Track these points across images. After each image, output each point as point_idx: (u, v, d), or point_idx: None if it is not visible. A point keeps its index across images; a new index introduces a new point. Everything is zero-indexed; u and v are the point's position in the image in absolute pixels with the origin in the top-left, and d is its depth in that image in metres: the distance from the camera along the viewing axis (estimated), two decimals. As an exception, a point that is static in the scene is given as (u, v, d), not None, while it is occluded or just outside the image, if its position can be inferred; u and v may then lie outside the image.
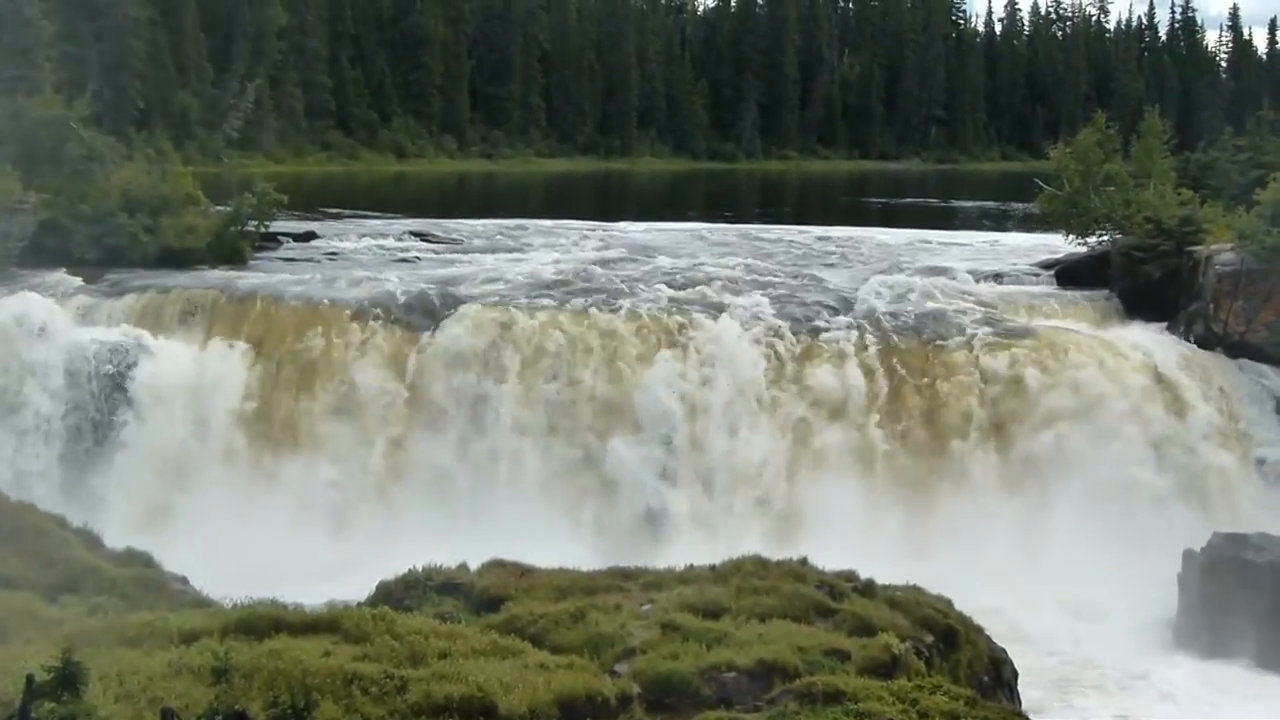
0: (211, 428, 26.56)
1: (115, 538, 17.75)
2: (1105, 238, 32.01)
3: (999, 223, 58.27)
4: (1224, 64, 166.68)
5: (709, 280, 30.23)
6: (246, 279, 30.27)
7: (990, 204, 74.44)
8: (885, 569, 16.57)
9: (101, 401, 26.66)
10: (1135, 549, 23.57)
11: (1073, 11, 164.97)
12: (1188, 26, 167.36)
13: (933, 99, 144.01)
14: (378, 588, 15.93)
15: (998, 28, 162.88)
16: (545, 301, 28.47)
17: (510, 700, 11.71)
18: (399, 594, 15.56)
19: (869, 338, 27.57)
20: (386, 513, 25.61)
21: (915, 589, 15.95)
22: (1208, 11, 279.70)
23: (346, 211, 51.06)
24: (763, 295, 29.21)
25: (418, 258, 35.05)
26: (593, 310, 28.01)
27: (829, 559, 16.40)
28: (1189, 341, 28.12)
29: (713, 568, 16.25)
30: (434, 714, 11.38)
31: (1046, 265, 33.32)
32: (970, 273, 32.54)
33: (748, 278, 30.98)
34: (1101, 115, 35.05)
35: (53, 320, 27.33)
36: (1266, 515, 24.69)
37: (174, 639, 12.46)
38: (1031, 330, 28.07)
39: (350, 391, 26.83)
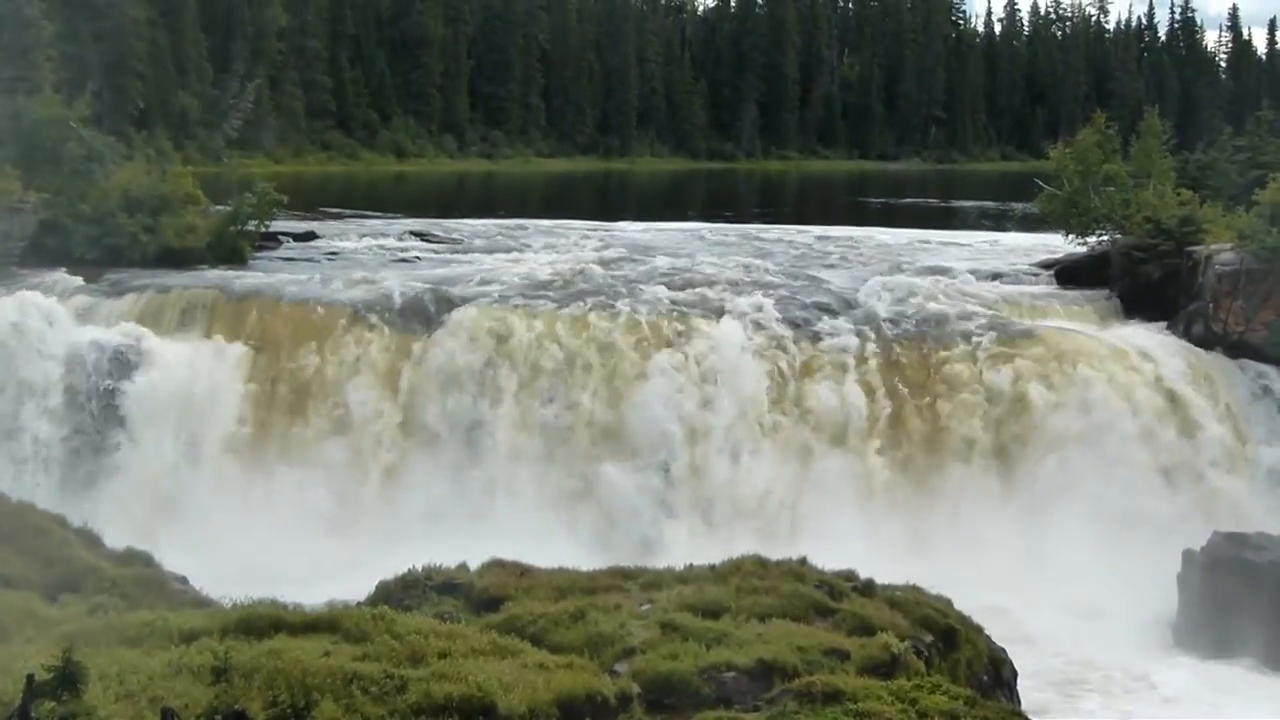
0: (204, 450, 26.09)
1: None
2: (1105, 238, 32.02)
3: (998, 223, 58.20)
4: (1223, 64, 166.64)
5: (709, 282, 30.01)
6: (245, 279, 30.21)
7: (990, 204, 74.36)
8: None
9: (100, 422, 26.34)
10: (1135, 548, 23.54)
11: (1072, 12, 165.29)
12: (1187, 27, 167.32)
13: (932, 99, 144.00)
14: (377, 587, 15.93)
15: (997, 28, 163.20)
16: (543, 305, 28.09)
17: (510, 700, 11.71)
18: (399, 594, 15.57)
19: (870, 347, 27.10)
20: (386, 529, 24.87)
21: (915, 589, 15.98)
22: (1207, 12, 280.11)
23: (346, 211, 51.07)
24: (763, 298, 28.85)
25: (418, 258, 35.02)
26: (591, 317, 27.47)
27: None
28: (1188, 341, 28.11)
29: (712, 567, 16.28)
30: (434, 714, 11.38)
31: (1046, 265, 33.33)
32: (971, 273, 32.52)
33: (748, 279, 30.83)
34: (1101, 115, 35.04)
35: (55, 316, 27.27)
36: (1267, 515, 24.67)
37: (174, 639, 12.46)
38: (1034, 333, 27.83)
39: (344, 415, 26.34)
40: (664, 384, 26.15)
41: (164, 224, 32.07)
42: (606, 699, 12.33)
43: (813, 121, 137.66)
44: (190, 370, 26.77)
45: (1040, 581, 23.20)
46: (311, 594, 15.18)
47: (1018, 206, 60.48)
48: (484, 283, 29.91)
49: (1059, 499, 24.94)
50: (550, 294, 28.97)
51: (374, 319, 27.64)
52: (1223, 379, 27.04)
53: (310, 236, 37.39)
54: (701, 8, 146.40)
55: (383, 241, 37.63)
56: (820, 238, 41.64)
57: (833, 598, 15.23)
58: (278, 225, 35.68)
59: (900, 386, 26.65)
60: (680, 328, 27.29)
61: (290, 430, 26.38)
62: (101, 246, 31.07)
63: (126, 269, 30.47)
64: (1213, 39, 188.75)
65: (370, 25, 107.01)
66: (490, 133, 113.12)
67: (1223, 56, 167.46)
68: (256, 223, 33.89)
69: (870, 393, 26.42)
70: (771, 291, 29.55)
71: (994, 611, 18.45)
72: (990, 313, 28.90)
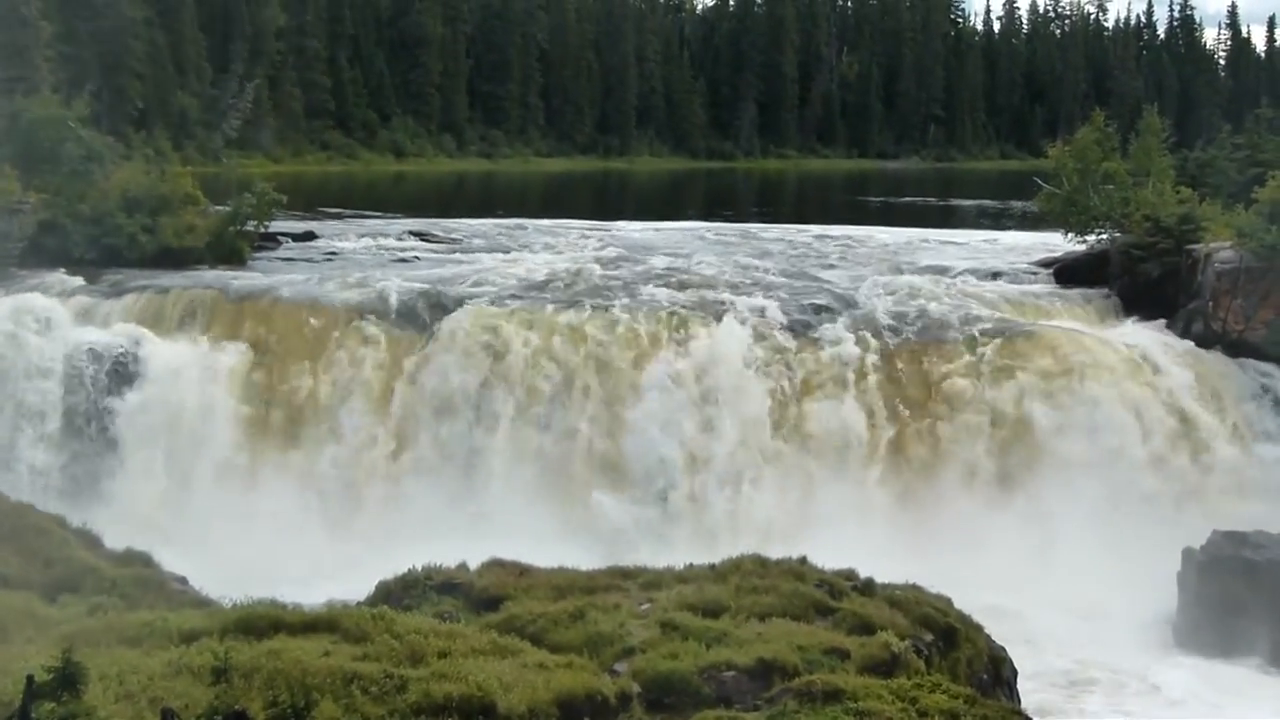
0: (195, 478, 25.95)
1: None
2: (1104, 236, 32.01)
3: (998, 221, 58.26)
4: (1222, 62, 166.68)
5: (708, 284, 29.91)
6: (243, 279, 30.21)
7: (989, 203, 74.43)
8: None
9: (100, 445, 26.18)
10: (1135, 547, 23.52)
11: (1071, 10, 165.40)
12: (1186, 25, 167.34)
13: (931, 98, 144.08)
14: (377, 587, 15.91)
15: (996, 26, 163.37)
16: (541, 310, 27.82)
17: (510, 699, 11.70)
18: (398, 594, 15.55)
19: (870, 359, 26.71)
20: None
21: (915, 588, 15.91)
22: (1206, 9, 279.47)
23: (346, 211, 51.12)
24: (764, 300, 28.69)
25: (416, 257, 35.04)
26: (588, 329, 27.06)
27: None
28: (1187, 340, 28.08)
29: (712, 567, 16.25)
30: (434, 713, 11.37)
31: (1045, 264, 33.32)
32: (970, 272, 32.49)
33: (747, 280, 30.76)
34: (1100, 113, 35.04)
35: (53, 320, 27.22)
36: (1267, 514, 24.65)
37: (174, 639, 12.45)
38: (1036, 334, 27.54)
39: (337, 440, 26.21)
40: (662, 403, 25.85)
41: (163, 224, 32.10)
42: (606, 698, 12.32)
43: (812, 120, 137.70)
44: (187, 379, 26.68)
45: (1041, 581, 23.17)
46: (311, 594, 15.18)
47: (1017, 205, 60.59)
48: (481, 284, 29.85)
49: (1062, 500, 24.83)
50: (548, 296, 28.89)
51: (371, 331, 27.35)
52: (1223, 379, 27.01)
53: (309, 236, 37.43)
54: (700, 7, 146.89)
55: (382, 241, 37.66)
56: (819, 237, 41.68)
57: (833, 597, 15.22)
58: (277, 225, 35.73)
59: (902, 409, 26.25)
60: (679, 336, 26.95)
61: (285, 454, 26.18)
62: (100, 247, 31.10)
63: (125, 269, 30.49)
64: (1212, 37, 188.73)
65: (369, 25, 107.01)
66: (489, 132, 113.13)
67: (1221, 54, 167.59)
68: (255, 223, 33.92)
69: (870, 415, 26.06)
70: (771, 292, 29.43)
71: (995, 612, 18.41)
72: (990, 313, 28.79)
